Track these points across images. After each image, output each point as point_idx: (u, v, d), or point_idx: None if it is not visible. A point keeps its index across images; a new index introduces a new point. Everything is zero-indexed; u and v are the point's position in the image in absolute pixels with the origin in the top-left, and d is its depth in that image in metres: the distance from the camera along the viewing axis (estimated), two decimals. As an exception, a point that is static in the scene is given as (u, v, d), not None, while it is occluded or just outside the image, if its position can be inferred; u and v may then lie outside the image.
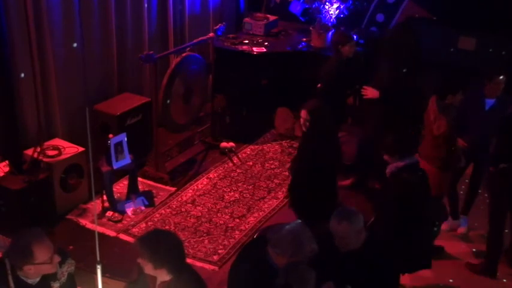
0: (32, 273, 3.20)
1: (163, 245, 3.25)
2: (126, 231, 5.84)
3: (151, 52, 6.36)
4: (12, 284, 3.20)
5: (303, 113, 5.12)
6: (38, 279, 3.26)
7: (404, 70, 6.29)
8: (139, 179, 6.52)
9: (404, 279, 4.88)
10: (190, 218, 6.10)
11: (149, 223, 6.00)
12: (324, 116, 5.18)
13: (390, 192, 4.68)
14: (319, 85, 6.34)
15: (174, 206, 6.29)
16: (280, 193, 6.61)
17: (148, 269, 3.29)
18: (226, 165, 7.11)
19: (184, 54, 6.73)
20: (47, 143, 5.93)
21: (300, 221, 3.57)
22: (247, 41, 7.80)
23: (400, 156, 4.59)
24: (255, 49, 7.61)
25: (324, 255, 3.60)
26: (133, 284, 3.58)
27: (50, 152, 5.84)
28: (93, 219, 5.88)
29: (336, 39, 6.50)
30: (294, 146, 7.57)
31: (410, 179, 4.55)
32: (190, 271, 3.41)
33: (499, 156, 5.23)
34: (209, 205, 6.34)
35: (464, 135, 5.56)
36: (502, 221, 5.40)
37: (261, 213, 6.26)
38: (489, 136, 5.49)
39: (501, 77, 5.50)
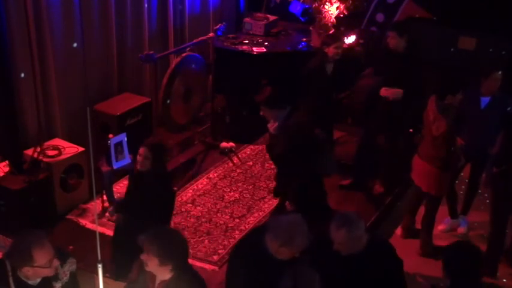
0: (30, 274, 3.21)
1: (172, 241, 3.28)
2: (126, 231, 5.84)
3: (152, 52, 6.37)
4: (12, 285, 3.21)
5: (142, 150, 4.71)
6: (38, 280, 3.26)
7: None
8: (140, 179, 6.52)
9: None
10: (190, 218, 6.10)
11: (149, 223, 5.99)
12: (165, 153, 4.89)
13: (289, 142, 5.11)
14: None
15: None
16: (280, 193, 6.62)
17: (153, 264, 3.28)
18: (226, 165, 7.11)
19: (184, 54, 6.74)
20: (47, 143, 5.93)
21: (299, 215, 3.59)
22: (247, 41, 7.80)
23: (280, 108, 5.01)
24: (255, 49, 7.61)
25: (325, 257, 3.61)
26: (133, 284, 3.59)
27: (50, 152, 5.83)
28: (93, 219, 5.88)
29: (323, 40, 6.50)
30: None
31: (300, 121, 5.12)
32: (191, 271, 3.41)
33: (501, 156, 5.23)
34: (209, 205, 6.34)
35: (462, 134, 5.57)
36: (505, 222, 5.40)
37: (261, 213, 6.26)
38: (487, 135, 5.48)
39: (499, 72, 5.49)
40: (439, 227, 5.99)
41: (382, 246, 3.82)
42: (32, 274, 3.21)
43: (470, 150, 5.62)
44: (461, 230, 6.05)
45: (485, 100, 5.58)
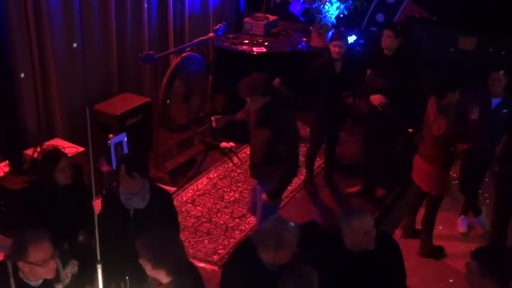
0: (27, 272, 3.18)
1: (164, 246, 3.25)
2: (126, 231, 5.84)
3: (151, 52, 6.36)
4: (13, 286, 3.20)
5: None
6: (40, 282, 3.25)
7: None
8: (140, 179, 6.52)
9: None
10: (190, 218, 6.10)
11: (149, 223, 5.99)
12: None
13: None
14: None
15: (174, 206, 6.29)
16: (280, 193, 6.61)
17: (148, 269, 3.29)
18: (226, 165, 7.11)
19: (184, 54, 6.74)
20: (47, 143, 5.92)
21: (276, 215, 3.58)
22: (247, 41, 7.81)
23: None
24: (255, 49, 7.62)
25: (333, 255, 3.59)
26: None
27: (50, 152, 5.82)
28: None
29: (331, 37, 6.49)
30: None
31: None
32: (190, 275, 3.37)
33: (504, 156, 5.22)
34: (209, 205, 6.34)
35: (466, 137, 5.56)
36: (506, 222, 5.40)
37: (261, 213, 6.27)
38: (496, 135, 5.45)
39: (496, 73, 5.47)
40: (459, 230, 6.00)
41: (389, 242, 3.82)
42: (29, 272, 3.18)
43: (479, 150, 5.60)
44: (462, 229, 6.05)
45: (496, 101, 5.56)
